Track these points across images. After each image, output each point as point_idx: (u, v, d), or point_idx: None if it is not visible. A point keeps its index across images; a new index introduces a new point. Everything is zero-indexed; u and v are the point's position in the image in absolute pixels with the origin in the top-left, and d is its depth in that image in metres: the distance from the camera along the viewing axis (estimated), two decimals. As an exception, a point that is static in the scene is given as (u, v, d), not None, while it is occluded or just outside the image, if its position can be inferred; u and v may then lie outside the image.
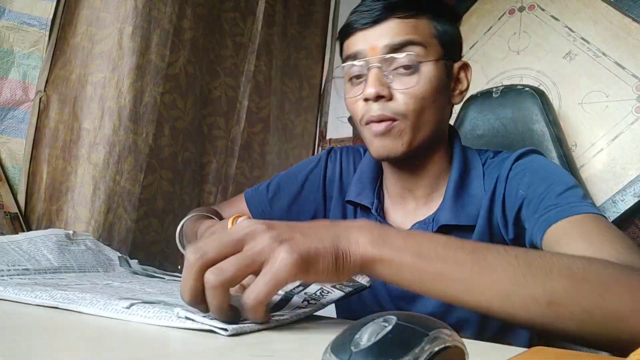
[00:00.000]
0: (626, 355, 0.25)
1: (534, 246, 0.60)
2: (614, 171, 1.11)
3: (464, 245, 0.45)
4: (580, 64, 1.19)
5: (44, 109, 1.03)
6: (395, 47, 0.64)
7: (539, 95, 1.01)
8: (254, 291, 0.40)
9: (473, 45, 1.36)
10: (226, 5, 1.38)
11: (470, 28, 1.37)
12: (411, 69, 0.64)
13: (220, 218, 0.85)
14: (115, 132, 1.06)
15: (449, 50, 0.68)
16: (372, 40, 0.65)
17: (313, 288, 0.53)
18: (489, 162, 0.72)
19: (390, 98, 0.65)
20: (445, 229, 0.68)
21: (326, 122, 1.69)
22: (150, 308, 0.44)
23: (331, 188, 0.83)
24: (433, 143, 0.70)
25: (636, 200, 1.07)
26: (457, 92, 0.72)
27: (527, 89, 1.03)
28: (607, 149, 1.13)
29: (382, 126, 0.65)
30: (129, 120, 1.08)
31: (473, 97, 1.09)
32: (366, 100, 0.65)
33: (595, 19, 1.18)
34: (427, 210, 0.72)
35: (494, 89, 1.07)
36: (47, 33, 1.02)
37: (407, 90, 0.64)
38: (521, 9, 1.30)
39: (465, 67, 0.72)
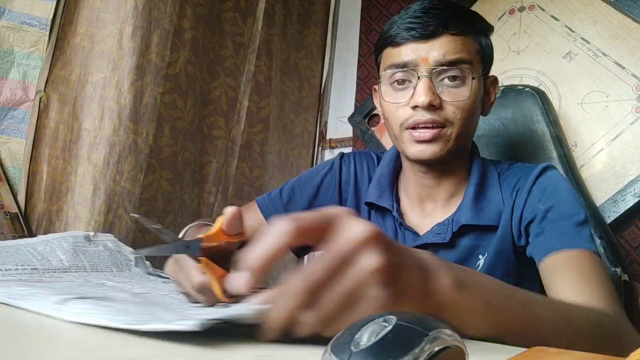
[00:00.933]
0: (626, 355, 0.25)
1: (532, 259, 0.67)
2: (614, 171, 1.11)
3: (517, 295, 0.46)
4: (580, 64, 1.19)
5: (44, 109, 1.03)
6: (447, 63, 0.68)
7: (539, 95, 1.01)
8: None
9: (473, 45, 1.36)
10: (226, 5, 1.38)
11: (470, 28, 1.37)
12: (458, 81, 0.69)
13: None
14: (115, 132, 1.06)
15: (487, 66, 0.74)
16: (424, 52, 0.68)
17: None
18: (505, 173, 0.76)
19: (440, 107, 0.68)
20: (465, 229, 0.72)
21: (326, 122, 1.69)
22: (83, 305, 0.43)
23: (346, 191, 0.85)
24: (461, 151, 0.75)
25: (636, 200, 1.06)
26: (487, 104, 0.76)
27: (527, 89, 1.03)
28: (607, 149, 1.13)
29: (430, 133, 0.68)
30: (129, 120, 1.08)
31: (473, 97, 1.09)
32: (414, 107, 0.68)
33: (595, 19, 1.18)
34: (445, 212, 0.75)
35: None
36: (47, 33, 1.02)
37: (456, 102, 0.68)
38: (521, 9, 1.30)
39: (495, 81, 0.77)
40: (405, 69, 0.69)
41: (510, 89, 1.05)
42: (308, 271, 0.34)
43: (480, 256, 0.72)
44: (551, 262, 0.63)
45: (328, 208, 0.36)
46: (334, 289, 0.34)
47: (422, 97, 0.66)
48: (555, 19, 1.25)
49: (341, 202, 0.86)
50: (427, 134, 0.68)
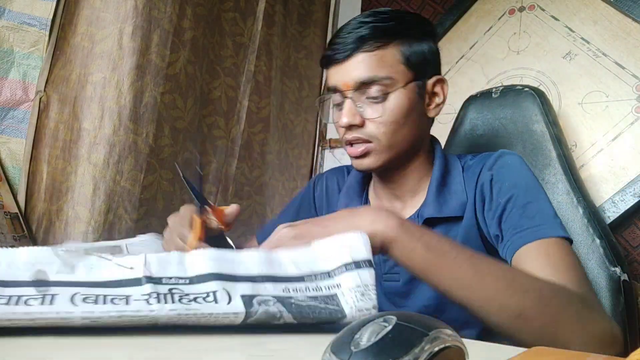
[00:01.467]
0: (626, 355, 0.25)
1: (506, 258, 0.68)
2: (614, 171, 1.11)
3: (465, 249, 0.55)
4: (580, 64, 1.19)
5: (44, 109, 1.03)
6: (363, 82, 0.71)
7: (539, 96, 1.01)
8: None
9: (473, 45, 1.36)
10: (226, 5, 1.37)
11: (470, 28, 1.37)
12: (379, 97, 0.71)
13: None
14: (115, 132, 1.06)
15: (420, 71, 0.74)
16: (344, 75, 0.73)
17: (278, 287, 0.47)
18: (469, 163, 0.78)
19: (362, 125, 0.73)
20: (430, 222, 0.74)
21: (326, 122, 1.69)
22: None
23: (320, 207, 0.93)
24: (411, 153, 0.77)
25: (636, 200, 1.06)
26: (433, 105, 0.77)
27: (526, 89, 1.03)
28: (607, 149, 1.13)
29: (357, 151, 0.74)
30: (129, 120, 1.08)
31: (473, 97, 1.09)
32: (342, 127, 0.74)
33: (595, 19, 1.18)
34: (412, 209, 0.79)
35: (494, 89, 1.07)
36: (47, 33, 1.02)
37: (376, 119, 0.72)
38: (521, 9, 1.30)
39: (441, 81, 0.77)
40: (334, 92, 0.75)
41: (510, 89, 1.05)
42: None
43: None
44: (517, 259, 0.64)
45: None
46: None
47: (343, 119, 0.72)
48: (555, 19, 1.25)
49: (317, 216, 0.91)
50: (357, 150, 0.74)
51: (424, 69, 0.75)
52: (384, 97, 0.71)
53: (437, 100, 0.77)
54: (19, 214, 0.98)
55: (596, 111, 1.16)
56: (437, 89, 0.77)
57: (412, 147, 0.77)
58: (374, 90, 0.71)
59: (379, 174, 0.81)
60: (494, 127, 1.04)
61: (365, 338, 0.26)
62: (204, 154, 1.33)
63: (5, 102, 0.99)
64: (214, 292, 0.43)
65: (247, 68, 1.43)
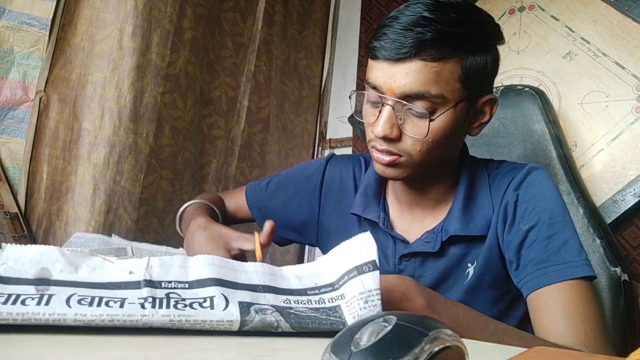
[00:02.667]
0: (626, 355, 0.25)
1: (520, 289, 0.66)
2: (614, 171, 1.11)
3: (488, 324, 0.56)
4: (580, 64, 1.19)
5: (44, 109, 1.03)
6: (412, 95, 0.62)
7: (539, 96, 1.01)
8: None
9: (473, 45, 1.35)
10: (226, 5, 1.37)
11: (470, 28, 1.37)
12: (425, 115, 0.63)
13: (224, 206, 0.93)
14: (115, 132, 1.06)
15: (474, 89, 0.66)
16: (391, 78, 0.63)
17: (279, 298, 0.47)
18: (494, 174, 0.74)
19: (398, 139, 0.65)
20: (454, 239, 0.70)
21: (326, 122, 1.69)
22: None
23: (327, 196, 0.85)
24: (440, 166, 0.71)
25: (636, 200, 1.06)
26: (477, 124, 0.70)
27: (526, 89, 1.03)
28: (607, 149, 1.13)
29: (385, 160, 0.66)
30: (129, 120, 1.08)
31: (473, 97, 1.09)
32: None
33: (595, 19, 1.18)
34: (434, 219, 0.74)
35: (494, 89, 1.06)
36: (47, 33, 1.02)
37: (415, 137, 0.64)
38: (521, 9, 1.30)
39: (492, 102, 0.70)
40: (375, 92, 0.66)
41: (510, 89, 1.05)
42: None
43: (469, 265, 0.71)
44: (535, 298, 0.62)
45: None
46: None
47: (378, 129, 0.64)
48: (555, 19, 1.24)
49: (319, 206, 0.85)
50: (384, 159, 0.66)
51: (480, 87, 0.67)
52: (430, 114, 0.63)
53: (482, 119, 0.70)
54: (19, 214, 0.98)
55: (596, 111, 1.16)
56: (486, 108, 0.70)
57: (443, 163, 0.72)
58: (420, 105, 0.62)
59: (402, 182, 0.75)
60: (495, 127, 1.04)
61: (365, 338, 0.26)
62: (204, 154, 1.34)
63: (5, 102, 0.99)
64: (212, 298, 0.43)
65: (247, 68, 1.43)
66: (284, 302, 0.45)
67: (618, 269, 0.86)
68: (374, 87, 0.65)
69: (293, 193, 0.87)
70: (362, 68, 1.61)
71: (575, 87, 1.19)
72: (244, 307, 0.43)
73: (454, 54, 0.62)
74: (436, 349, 0.25)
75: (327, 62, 1.72)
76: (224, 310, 0.42)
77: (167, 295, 0.42)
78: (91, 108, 1.05)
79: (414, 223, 0.76)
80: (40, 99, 1.02)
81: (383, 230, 0.76)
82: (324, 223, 0.85)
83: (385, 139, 0.65)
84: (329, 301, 0.47)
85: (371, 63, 0.67)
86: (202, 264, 0.47)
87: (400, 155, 0.66)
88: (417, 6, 0.63)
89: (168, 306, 0.41)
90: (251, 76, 1.42)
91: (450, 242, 0.71)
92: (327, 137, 1.67)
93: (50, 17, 1.02)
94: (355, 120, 1.57)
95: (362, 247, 0.48)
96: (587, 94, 1.17)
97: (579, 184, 0.95)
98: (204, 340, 0.39)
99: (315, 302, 0.46)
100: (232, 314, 0.41)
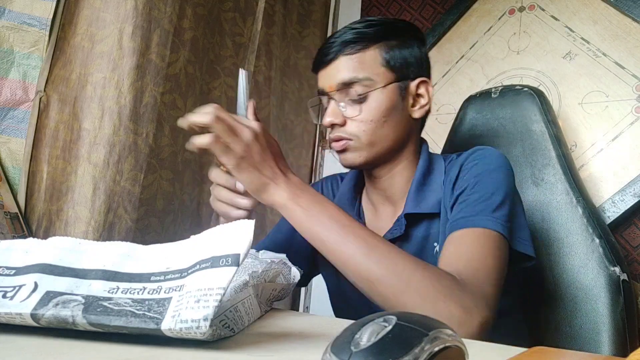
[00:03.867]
0: (626, 355, 0.25)
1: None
2: (614, 171, 1.11)
3: (343, 219, 0.63)
4: (580, 64, 1.19)
5: (44, 109, 1.03)
6: (344, 82, 0.75)
7: (538, 95, 1.01)
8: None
9: (473, 45, 1.36)
10: (226, 5, 1.37)
11: (470, 28, 1.37)
12: (359, 99, 0.75)
13: None
14: (115, 132, 1.06)
15: (402, 73, 0.77)
16: (328, 77, 0.78)
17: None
18: (453, 161, 0.80)
19: (343, 124, 0.77)
20: (415, 220, 0.76)
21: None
22: None
23: None
24: (396, 152, 0.80)
25: (636, 200, 1.06)
26: (418, 107, 0.80)
27: (525, 89, 1.03)
28: (607, 149, 1.13)
29: (338, 145, 0.78)
30: (129, 120, 1.08)
31: (472, 97, 1.09)
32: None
33: (595, 19, 1.18)
34: (401, 210, 0.80)
35: (493, 89, 1.07)
36: (47, 33, 1.02)
37: (355, 117, 0.76)
38: (521, 9, 1.30)
39: (425, 83, 0.80)
40: (322, 95, 0.80)
41: (509, 89, 1.05)
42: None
43: (435, 244, 0.75)
44: (450, 238, 0.67)
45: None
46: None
47: (326, 119, 0.77)
48: (555, 19, 1.25)
49: None
50: (336, 145, 0.78)
51: (406, 72, 0.78)
52: (363, 97, 0.75)
53: (422, 101, 0.80)
54: (19, 214, 0.98)
55: (596, 111, 1.16)
56: (422, 90, 0.80)
57: (396, 147, 0.79)
58: (354, 91, 0.75)
59: (369, 176, 0.84)
60: (494, 127, 1.04)
61: (365, 338, 0.26)
62: (204, 154, 1.33)
63: (5, 102, 0.99)
64: (21, 287, 0.41)
65: (247, 68, 1.43)
66: (108, 291, 0.41)
67: (617, 269, 0.86)
68: (321, 92, 0.80)
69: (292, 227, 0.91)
70: (362, 68, 1.61)
71: (575, 87, 1.19)
72: (45, 298, 0.39)
73: (370, 45, 0.76)
74: (436, 348, 0.25)
75: (327, 62, 1.72)
76: (22, 301, 0.39)
77: None
78: (91, 108, 1.05)
79: (387, 220, 0.82)
80: (40, 99, 1.02)
81: None
82: None
83: (333, 126, 0.77)
84: (165, 291, 0.40)
85: (317, 77, 0.81)
86: (47, 248, 0.44)
87: (350, 139, 0.76)
88: (348, 24, 0.79)
89: None
90: (251, 76, 1.42)
91: (412, 225, 0.76)
92: (327, 137, 1.67)
93: (50, 17, 1.02)
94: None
95: (236, 235, 0.42)
96: (587, 94, 1.17)
97: (579, 184, 0.95)
98: (202, 340, 0.39)
99: (149, 292, 0.40)
100: (22, 307, 0.39)
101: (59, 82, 1.04)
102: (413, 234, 0.77)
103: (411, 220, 0.76)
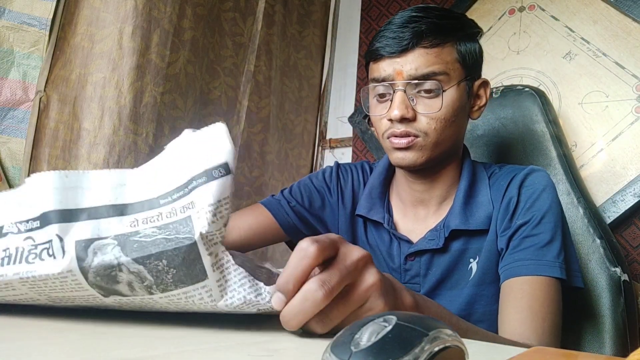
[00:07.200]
0: (626, 355, 0.25)
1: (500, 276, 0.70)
2: (614, 171, 1.11)
3: (454, 320, 0.54)
4: (580, 64, 1.19)
5: (44, 109, 1.03)
6: (419, 76, 0.70)
7: (539, 96, 1.01)
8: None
9: (473, 45, 1.36)
10: (226, 5, 1.38)
11: (470, 28, 1.37)
12: (433, 93, 0.70)
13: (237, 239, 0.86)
14: (115, 132, 1.06)
15: (471, 71, 0.74)
16: (399, 66, 0.70)
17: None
18: (495, 175, 0.78)
19: (414, 119, 0.71)
20: (455, 233, 0.73)
21: (326, 122, 1.69)
22: None
23: (346, 200, 0.86)
24: (449, 156, 0.76)
25: (636, 200, 1.06)
26: (476, 108, 0.77)
27: (526, 89, 1.03)
28: (607, 149, 1.13)
29: (404, 141, 0.71)
30: (129, 120, 1.08)
31: (473, 97, 1.09)
32: (391, 120, 0.71)
33: (595, 19, 1.18)
34: (436, 218, 0.77)
35: (494, 89, 1.06)
36: (47, 33, 1.02)
37: (429, 114, 0.70)
38: (521, 9, 1.30)
39: (485, 84, 0.77)
40: (383, 83, 0.72)
41: (510, 89, 1.05)
42: (323, 279, 0.37)
43: (472, 260, 0.74)
44: (508, 286, 0.66)
45: (328, 234, 0.41)
46: (345, 301, 0.39)
47: (394, 111, 0.70)
48: (555, 19, 1.25)
49: (338, 210, 0.86)
50: (402, 141, 0.71)
51: (474, 70, 0.75)
52: (437, 93, 0.70)
53: (480, 102, 0.77)
54: (19, 214, 0.98)
55: (596, 111, 1.16)
56: (481, 91, 0.77)
57: (452, 150, 0.76)
58: (429, 85, 0.70)
59: (412, 174, 0.78)
60: (495, 127, 1.04)
61: (365, 338, 0.26)
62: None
63: (5, 102, 0.99)
64: (50, 242, 0.35)
65: (247, 68, 1.43)
66: (130, 225, 0.37)
67: (618, 269, 0.86)
68: (382, 80, 0.72)
69: (306, 205, 0.86)
70: (362, 68, 1.61)
71: (575, 87, 1.19)
72: (81, 247, 0.35)
73: (447, 40, 0.71)
74: (436, 349, 0.25)
75: (327, 62, 1.72)
76: (63, 258, 0.34)
77: (20, 246, 0.35)
78: (91, 108, 1.05)
79: (418, 223, 0.79)
80: (40, 99, 1.02)
81: (387, 231, 0.79)
82: (340, 228, 0.86)
83: (403, 119, 0.70)
84: (180, 211, 0.38)
85: (374, 65, 0.74)
86: (45, 188, 0.38)
87: (417, 136, 0.71)
88: (406, 11, 0.73)
89: (13, 261, 0.34)
90: (251, 76, 1.42)
91: (452, 238, 0.73)
92: (327, 137, 1.67)
93: (50, 17, 1.02)
94: (355, 120, 1.58)
95: (213, 143, 0.39)
96: (587, 94, 1.17)
97: (579, 184, 0.95)
98: (204, 339, 0.39)
99: (167, 215, 0.38)
100: (63, 264, 0.33)
101: (59, 82, 1.04)
102: (450, 247, 0.74)
103: (454, 234, 0.73)
